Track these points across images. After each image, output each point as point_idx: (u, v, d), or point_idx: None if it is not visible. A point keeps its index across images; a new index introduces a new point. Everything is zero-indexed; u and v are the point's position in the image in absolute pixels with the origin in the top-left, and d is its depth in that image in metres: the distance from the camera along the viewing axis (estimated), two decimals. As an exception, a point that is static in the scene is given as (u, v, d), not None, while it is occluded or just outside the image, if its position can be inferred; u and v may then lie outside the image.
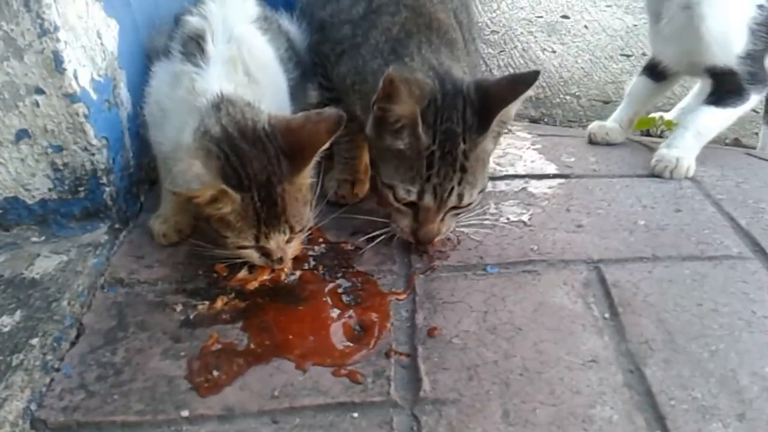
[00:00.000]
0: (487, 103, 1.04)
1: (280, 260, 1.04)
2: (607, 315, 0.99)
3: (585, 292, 1.04)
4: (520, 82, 1.05)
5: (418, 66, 1.09)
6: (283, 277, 1.08)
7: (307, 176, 1.03)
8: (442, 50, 1.14)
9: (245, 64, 1.09)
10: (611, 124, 1.61)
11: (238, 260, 1.06)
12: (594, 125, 1.62)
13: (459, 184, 1.06)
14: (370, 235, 1.16)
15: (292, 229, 1.02)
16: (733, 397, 0.84)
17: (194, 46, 1.09)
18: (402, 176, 1.06)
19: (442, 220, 1.10)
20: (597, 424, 0.82)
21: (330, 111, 1.01)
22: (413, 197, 1.06)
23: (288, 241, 1.03)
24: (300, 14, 1.39)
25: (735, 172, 1.42)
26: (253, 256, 1.03)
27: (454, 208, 1.10)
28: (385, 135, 1.06)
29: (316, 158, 1.01)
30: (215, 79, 1.05)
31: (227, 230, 0.99)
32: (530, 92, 1.07)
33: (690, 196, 1.30)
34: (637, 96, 1.62)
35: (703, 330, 0.95)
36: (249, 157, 0.97)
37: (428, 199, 1.06)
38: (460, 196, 1.07)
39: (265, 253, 1.03)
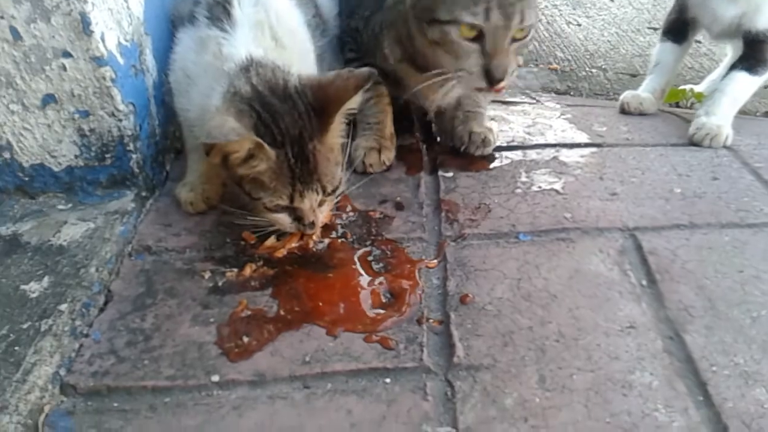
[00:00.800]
0: None
1: (312, 225, 1.01)
2: (644, 282, 0.97)
3: (621, 260, 1.01)
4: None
5: None
6: (311, 244, 1.07)
7: (336, 135, 1.01)
8: None
9: (273, 28, 1.07)
10: (645, 93, 1.57)
11: (269, 227, 1.04)
12: (627, 94, 1.57)
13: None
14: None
15: (324, 190, 1.00)
16: (777, 363, 0.82)
17: (220, 11, 1.07)
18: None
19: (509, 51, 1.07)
20: (636, 390, 0.79)
21: (361, 69, 0.99)
22: (478, 20, 1.03)
23: (320, 204, 1.01)
24: None
25: (771, 139, 1.38)
26: (285, 220, 1.01)
27: (515, 39, 1.07)
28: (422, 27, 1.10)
29: (343, 115, 1.00)
30: (243, 43, 1.03)
31: (261, 190, 0.98)
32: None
33: (727, 164, 1.27)
34: (666, 63, 1.59)
35: (745, 296, 0.92)
36: (281, 113, 0.95)
37: (495, 17, 1.03)
38: (522, 15, 1.04)
39: (297, 218, 1.01)
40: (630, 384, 0.80)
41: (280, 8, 1.12)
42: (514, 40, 1.07)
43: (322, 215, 1.04)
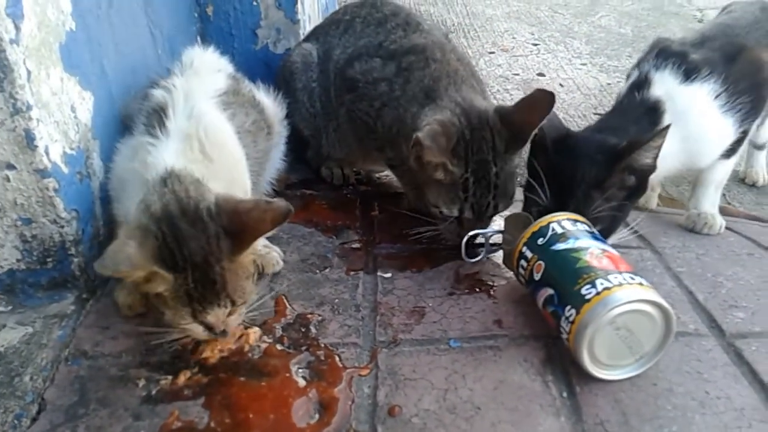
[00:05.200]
0: (519, 127, 1.25)
1: (224, 333, 1.04)
2: (564, 394, 1.01)
3: (544, 370, 1.05)
4: (539, 103, 1.23)
5: (447, 104, 1.31)
6: (246, 348, 1.09)
7: (249, 254, 1.04)
8: (464, 88, 1.37)
9: (201, 142, 1.10)
10: None
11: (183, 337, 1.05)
12: None
13: (494, 198, 1.28)
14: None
15: (233, 303, 1.02)
16: (683, 483, 0.86)
17: (156, 119, 1.11)
18: (444, 199, 1.29)
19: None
20: None
21: (280, 203, 1.03)
22: (454, 214, 1.30)
23: (230, 314, 1.03)
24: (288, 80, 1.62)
25: (696, 243, 1.45)
26: (197, 330, 1.03)
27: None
28: (426, 169, 1.27)
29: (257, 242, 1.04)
30: (169, 153, 1.06)
31: (165, 307, 1.00)
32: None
33: (651, 268, 1.33)
34: None
35: (657, 411, 0.97)
36: (186, 237, 0.97)
37: (468, 214, 1.29)
38: (496, 207, 1.30)
39: (208, 327, 1.03)
40: (543, 504, 0.83)
41: (211, 122, 1.15)
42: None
43: (235, 324, 1.06)
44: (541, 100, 1.22)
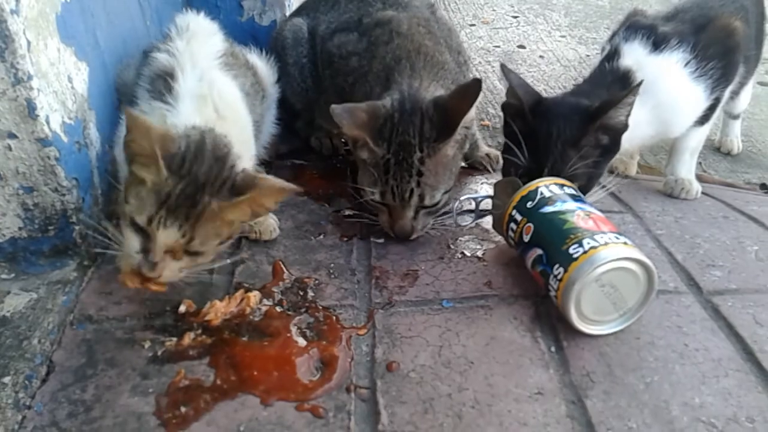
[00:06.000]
0: (446, 115, 1.25)
1: (152, 266, 1.01)
2: (553, 348, 1.06)
3: (533, 326, 1.11)
4: (467, 91, 1.26)
5: (394, 93, 1.32)
6: (248, 311, 1.13)
7: (236, 219, 1.07)
8: (423, 74, 1.37)
9: (215, 102, 1.14)
10: None
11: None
12: None
13: (417, 185, 1.26)
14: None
15: (189, 241, 1.01)
16: (665, 427, 0.92)
17: (162, 84, 1.14)
18: (368, 180, 1.30)
19: (415, 218, 1.30)
20: (541, 454, 0.88)
21: (284, 184, 1.08)
22: (377, 197, 1.29)
23: (175, 255, 1.03)
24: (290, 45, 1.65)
25: (674, 207, 1.51)
26: (134, 243, 1.02)
27: (423, 207, 1.29)
28: (356, 149, 1.31)
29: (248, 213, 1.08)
30: (187, 114, 1.09)
31: (134, 196, 1.01)
32: (479, 98, 1.26)
33: (632, 231, 1.39)
34: None
35: (640, 362, 1.03)
36: (200, 161, 1.02)
37: (389, 199, 1.28)
38: (421, 197, 1.28)
39: (145, 250, 1.02)
40: (536, 448, 0.89)
41: (221, 82, 1.19)
42: (423, 207, 1.30)
43: (171, 269, 1.03)
44: (471, 88, 1.24)
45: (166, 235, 1.00)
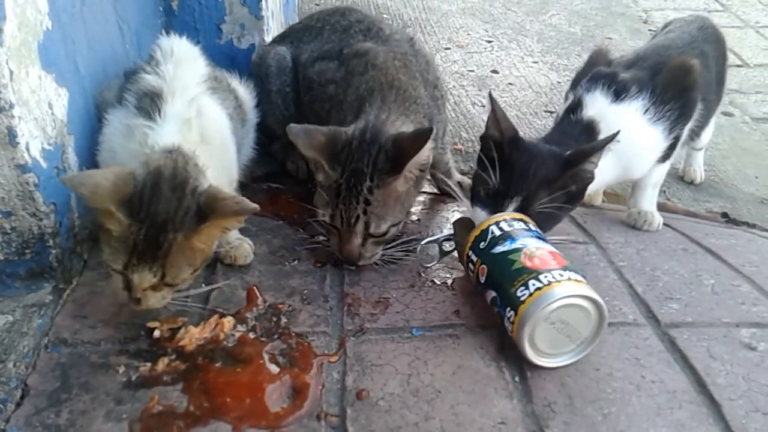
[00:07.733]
0: (399, 152, 1.29)
1: (137, 301, 1.08)
2: (517, 378, 1.10)
3: (498, 356, 1.15)
4: (420, 135, 1.30)
5: (360, 122, 1.36)
6: (222, 337, 1.16)
7: (205, 245, 1.10)
8: (393, 107, 1.41)
9: (201, 126, 1.18)
10: None
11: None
12: None
13: (364, 213, 1.29)
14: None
15: (163, 276, 1.07)
16: (621, 457, 0.96)
17: (149, 103, 1.17)
18: (322, 201, 1.34)
19: (363, 245, 1.33)
20: (503, 483, 0.92)
21: (247, 203, 1.10)
22: (327, 219, 1.33)
23: (154, 288, 1.08)
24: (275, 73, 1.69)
25: (637, 239, 1.57)
26: (117, 282, 1.08)
27: (370, 235, 1.32)
28: (316, 170, 1.36)
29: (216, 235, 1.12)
30: (171, 134, 1.13)
31: (107, 244, 1.06)
32: (430, 144, 1.29)
33: (595, 262, 1.44)
34: None
35: (599, 393, 1.07)
36: (161, 197, 1.05)
37: (337, 221, 1.32)
38: (367, 225, 1.31)
39: (128, 287, 1.07)
40: (497, 477, 0.93)
41: (209, 107, 1.24)
42: (371, 236, 1.33)
43: (154, 300, 1.09)
44: (422, 134, 1.29)
45: (140, 279, 1.06)
